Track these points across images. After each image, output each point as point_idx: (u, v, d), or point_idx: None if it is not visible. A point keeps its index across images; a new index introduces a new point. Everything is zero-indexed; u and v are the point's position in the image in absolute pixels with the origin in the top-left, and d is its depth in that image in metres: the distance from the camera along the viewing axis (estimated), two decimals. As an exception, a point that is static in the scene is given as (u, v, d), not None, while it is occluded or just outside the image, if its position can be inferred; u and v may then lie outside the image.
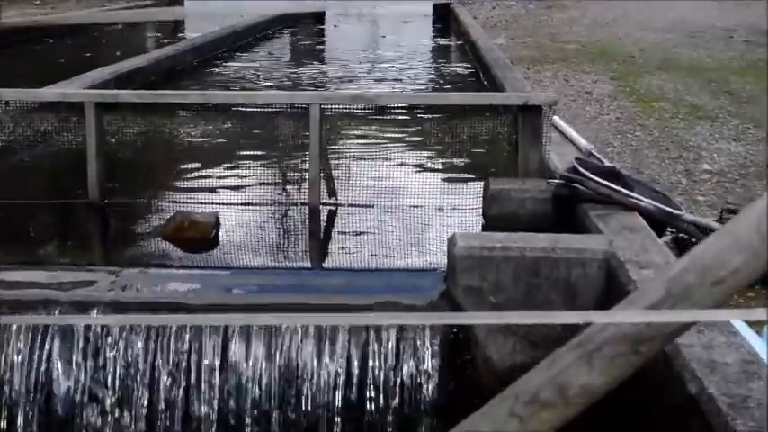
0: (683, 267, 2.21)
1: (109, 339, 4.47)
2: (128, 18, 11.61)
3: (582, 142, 6.57)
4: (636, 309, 2.20)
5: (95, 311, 4.55)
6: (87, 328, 4.48)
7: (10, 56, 13.99)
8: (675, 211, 5.42)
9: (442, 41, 18.50)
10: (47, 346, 4.46)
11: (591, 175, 5.34)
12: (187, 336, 4.46)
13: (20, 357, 4.44)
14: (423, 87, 12.56)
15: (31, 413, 4.40)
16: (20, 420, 4.40)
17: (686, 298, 2.17)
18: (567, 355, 2.23)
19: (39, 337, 4.48)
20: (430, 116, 6.89)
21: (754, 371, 3.34)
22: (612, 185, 5.28)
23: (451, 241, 4.63)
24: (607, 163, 6.00)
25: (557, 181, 5.53)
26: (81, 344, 4.46)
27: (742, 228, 2.17)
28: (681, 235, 5.57)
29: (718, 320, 3.18)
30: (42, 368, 4.43)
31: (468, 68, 14.09)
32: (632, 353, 2.20)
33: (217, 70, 13.60)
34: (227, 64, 14.24)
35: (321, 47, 18.87)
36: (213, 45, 14.80)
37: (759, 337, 4.21)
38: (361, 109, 6.34)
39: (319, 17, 22.20)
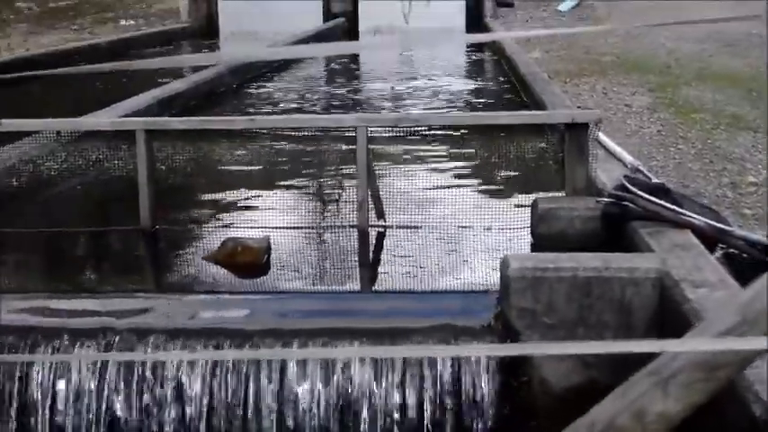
0: (755, 293, 2.23)
1: (167, 369, 4.52)
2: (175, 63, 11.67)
3: (628, 158, 6.56)
4: (709, 336, 2.22)
5: (152, 339, 4.62)
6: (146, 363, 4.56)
7: (52, 81, 14.21)
8: (726, 227, 5.38)
9: (476, 56, 18.53)
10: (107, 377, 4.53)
11: (640, 193, 5.34)
12: (245, 365, 4.51)
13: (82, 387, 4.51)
14: (461, 105, 12.60)
15: None
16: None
17: (759, 323, 2.19)
18: (642, 383, 2.25)
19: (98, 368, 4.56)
20: (476, 136, 6.91)
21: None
22: (662, 202, 5.27)
23: (504, 262, 4.63)
24: (654, 179, 5.97)
25: (606, 199, 5.52)
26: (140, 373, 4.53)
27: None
28: (732, 251, 5.54)
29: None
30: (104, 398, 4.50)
31: (503, 84, 14.13)
32: (707, 379, 2.22)
33: (256, 92, 13.72)
34: (266, 85, 14.36)
35: (356, 66, 18.94)
36: (251, 67, 14.92)
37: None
38: (406, 129, 6.38)
39: (351, 31, 22.43)
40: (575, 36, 17.63)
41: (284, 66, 16.54)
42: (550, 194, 6.09)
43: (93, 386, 4.52)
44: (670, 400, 2.21)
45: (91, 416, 4.49)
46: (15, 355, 4.54)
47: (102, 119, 7.20)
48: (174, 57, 20.49)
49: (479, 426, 4.45)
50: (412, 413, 4.45)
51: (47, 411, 4.49)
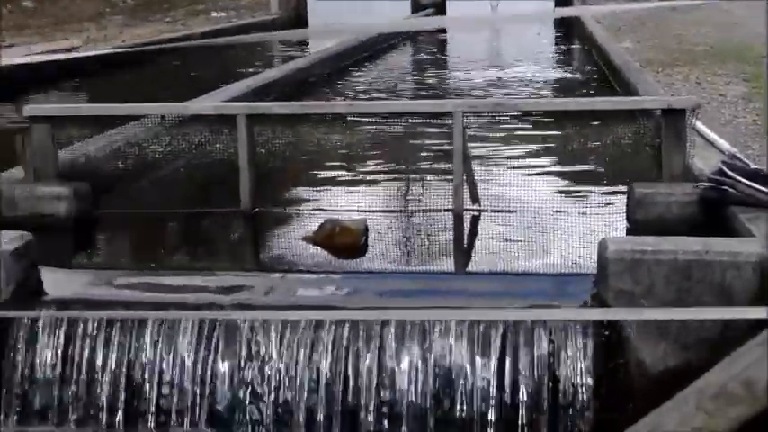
0: None
1: (271, 343, 4.61)
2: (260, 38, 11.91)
3: (725, 146, 6.51)
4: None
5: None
6: (251, 330, 4.65)
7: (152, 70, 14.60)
8: (829, 213, 5.33)
9: (565, 46, 18.44)
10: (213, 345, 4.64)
11: (740, 178, 5.31)
12: (345, 337, 4.59)
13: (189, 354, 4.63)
14: (553, 94, 12.59)
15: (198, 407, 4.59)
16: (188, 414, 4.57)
17: None
18: (753, 352, 2.28)
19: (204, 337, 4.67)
20: (572, 121, 6.90)
21: None
22: (762, 188, 5.24)
23: (602, 245, 4.63)
24: (753, 165, 5.92)
25: (705, 184, 5.51)
26: (245, 344, 4.62)
27: None
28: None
29: None
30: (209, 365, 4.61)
31: (594, 73, 14.05)
32: (820, 350, 2.24)
33: (347, 80, 13.87)
34: (357, 74, 14.51)
35: (444, 56, 18.97)
36: (341, 57, 15.09)
37: None
38: (503, 115, 6.41)
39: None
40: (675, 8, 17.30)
41: (373, 56, 16.66)
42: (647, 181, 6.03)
43: (200, 359, 4.62)
44: (783, 369, 2.24)
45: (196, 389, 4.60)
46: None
47: (205, 104, 7.38)
48: (298, 30, 20.84)
49: (576, 407, 4.43)
50: (508, 393, 4.46)
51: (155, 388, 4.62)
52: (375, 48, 17.70)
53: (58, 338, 4.67)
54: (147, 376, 4.61)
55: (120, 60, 14.27)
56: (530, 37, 20.55)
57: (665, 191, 5.81)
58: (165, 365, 4.61)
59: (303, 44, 19.15)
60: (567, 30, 20.65)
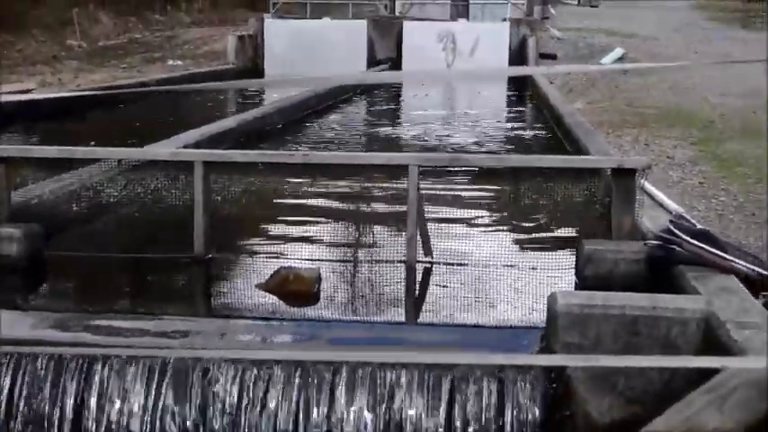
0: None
1: (215, 387, 4.60)
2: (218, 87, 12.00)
3: (672, 206, 6.65)
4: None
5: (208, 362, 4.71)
6: (198, 376, 4.63)
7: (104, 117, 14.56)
8: (771, 274, 5.44)
9: (519, 107, 18.70)
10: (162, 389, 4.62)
11: (687, 238, 5.42)
12: (296, 386, 4.59)
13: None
14: (504, 150, 12.74)
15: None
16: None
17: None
18: (700, 399, 2.34)
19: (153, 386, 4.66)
20: (523, 178, 6.99)
21: None
22: (708, 248, 5.35)
23: (552, 298, 4.70)
24: (699, 226, 6.04)
25: (652, 242, 5.61)
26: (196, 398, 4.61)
27: None
28: (776, 298, 5.56)
29: None
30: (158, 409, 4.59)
31: (546, 132, 14.26)
32: (760, 398, 2.32)
33: (303, 131, 13.95)
34: (311, 124, 14.61)
35: (397, 108, 19.15)
36: (297, 108, 15.19)
37: None
38: (457, 169, 6.49)
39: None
40: (608, 74, 17.62)
41: (327, 109, 16.78)
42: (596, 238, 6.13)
43: (149, 403, 4.59)
44: (726, 417, 2.31)
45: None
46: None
47: (162, 149, 7.38)
48: (255, 80, 20.90)
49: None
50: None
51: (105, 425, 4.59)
52: (331, 100, 17.84)
53: (6, 377, 4.63)
54: (94, 418, 4.59)
55: (76, 104, 14.26)
56: (484, 92, 20.81)
57: (613, 248, 5.89)
58: (113, 408, 4.59)
59: (259, 93, 19.27)
60: (521, 89, 20.93)
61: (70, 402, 4.60)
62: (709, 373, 2.47)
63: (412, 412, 4.52)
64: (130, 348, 4.77)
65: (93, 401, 4.60)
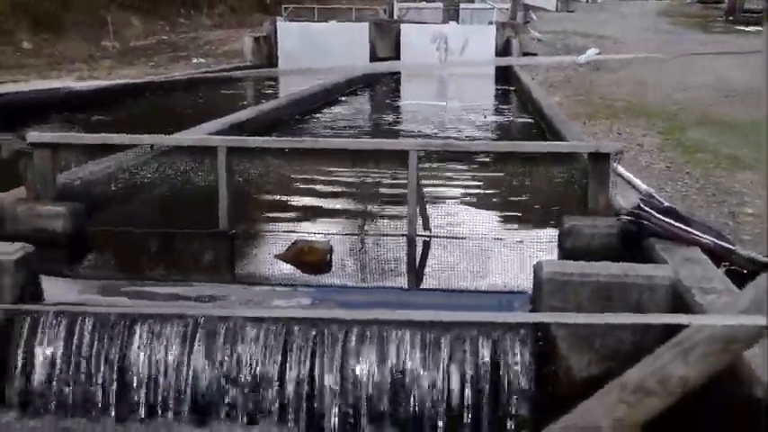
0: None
1: (245, 346, 4.64)
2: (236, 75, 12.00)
3: (642, 186, 6.66)
4: (727, 314, 2.36)
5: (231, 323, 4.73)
6: (226, 336, 4.67)
7: (140, 106, 14.56)
8: (731, 246, 5.47)
9: (505, 101, 18.68)
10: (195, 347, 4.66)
11: (655, 214, 5.45)
12: (311, 344, 4.63)
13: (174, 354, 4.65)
14: (492, 138, 12.76)
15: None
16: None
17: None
18: (668, 353, 2.38)
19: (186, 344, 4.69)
20: (510, 162, 7.00)
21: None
22: (675, 222, 5.38)
23: (538, 267, 4.74)
24: (666, 203, 6.06)
25: (625, 218, 5.64)
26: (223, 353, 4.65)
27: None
28: (733, 267, 5.58)
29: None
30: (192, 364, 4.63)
31: (529, 122, 14.27)
32: (723, 351, 2.35)
33: (314, 120, 13.95)
34: (323, 113, 14.60)
35: (396, 100, 19.14)
36: (309, 100, 15.18)
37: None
38: (452, 153, 6.50)
39: (393, 73, 22.70)
40: (583, 69, 17.58)
41: (332, 102, 16.75)
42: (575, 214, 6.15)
43: (182, 358, 4.63)
44: (690, 367, 2.34)
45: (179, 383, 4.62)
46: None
47: (190, 136, 7.40)
48: (277, 69, 20.84)
49: (513, 408, 4.51)
50: (454, 396, 4.52)
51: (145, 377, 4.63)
52: (339, 93, 17.83)
53: (57, 336, 4.67)
54: (136, 372, 4.63)
55: (111, 96, 14.28)
56: (472, 86, 20.77)
57: (590, 223, 5.91)
58: (152, 363, 4.63)
59: (274, 86, 19.23)
60: (506, 84, 20.89)
61: (114, 358, 4.64)
62: (674, 334, 2.50)
63: (414, 368, 4.55)
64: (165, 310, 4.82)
65: (133, 358, 4.63)
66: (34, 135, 6.50)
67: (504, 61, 20.74)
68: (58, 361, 4.64)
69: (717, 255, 5.27)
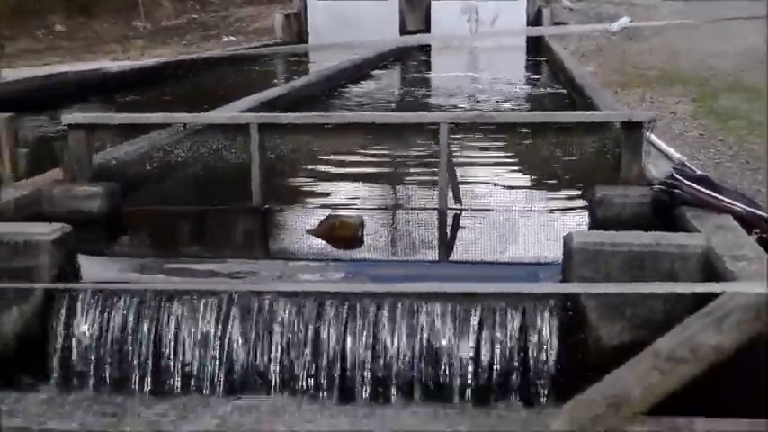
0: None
1: (279, 320, 4.67)
2: (267, 51, 12.01)
3: (675, 155, 6.60)
4: (761, 281, 2.33)
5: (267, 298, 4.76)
6: (260, 311, 4.69)
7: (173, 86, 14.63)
8: (763, 214, 5.40)
9: (536, 72, 18.52)
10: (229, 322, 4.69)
11: (687, 182, 5.39)
12: (344, 317, 4.64)
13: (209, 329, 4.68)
14: (525, 108, 12.68)
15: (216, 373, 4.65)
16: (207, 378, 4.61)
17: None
18: (700, 321, 2.36)
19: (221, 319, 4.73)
20: (543, 132, 6.95)
21: None
22: (707, 191, 5.32)
23: (568, 238, 4.70)
24: (699, 172, 6.00)
25: (657, 187, 5.58)
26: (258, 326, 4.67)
27: None
28: (765, 235, 5.52)
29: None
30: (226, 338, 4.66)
31: (562, 92, 14.14)
32: (756, 319, 2.33)
33: (344, 96, 13.93)
34: (354, 88, 14.58)
35: (428, 74, 19.04)
36: (340, 75, 15.14)
37: None
38: (483, 125, 6.45)
39: (424, 46, 22.55)
40: (615, 37, 17.38)
41: (362, 77, 16.70)
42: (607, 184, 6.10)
43: (217, 332, 4.67)
44: (724, 335, 2.33)
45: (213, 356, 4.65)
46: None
47: (222, 114, 7.42)
48: (316, 44, 20.82)
49: (541, 375, 4.50)
50: (484, 364, 4.51)
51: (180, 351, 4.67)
52: (370, 67, 17.77)
53: (95, 314, 4.73)
54: (172, 347, 4.67)
55: (146, 76, 14.36)
56: (505, 58, 20.62)
57: (622, 192, 5.88)
58: (187, 338, 4.67)
59: (305, 62, 19.22)
60: (538, 55, 20.69)
61: (149, 335, 4.68)
62: (705, 303, 2.48)
63: (445, 340, 4.55)
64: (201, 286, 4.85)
65: (169, 332, 4.67)
66: (69, 117, 6.55)
67: (535, 31, 20.52)
68: (96, 338, 4.69)
69: (748, 222, 5.21)
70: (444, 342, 4.55)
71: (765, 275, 2.33)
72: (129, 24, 28.34)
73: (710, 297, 2.62)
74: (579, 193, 6.47)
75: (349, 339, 4.59)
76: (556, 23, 23.67)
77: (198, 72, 16.36)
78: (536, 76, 17.68)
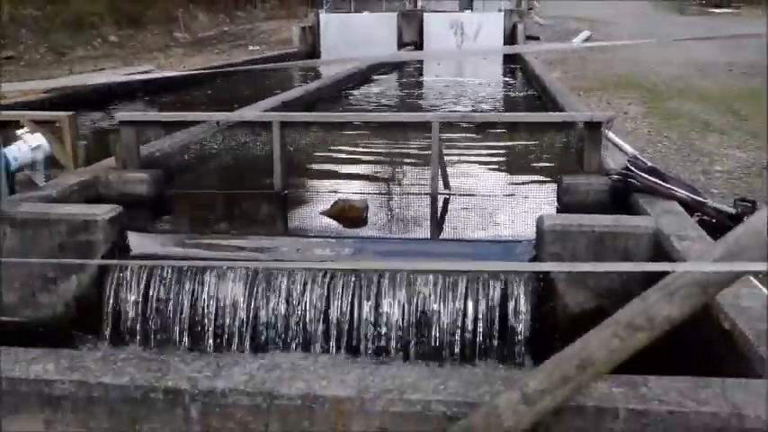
0: (741, 231, 2.28)
1: (298, 287, 4.62)
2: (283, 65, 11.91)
3: (628, 149, 6.55)
4: (705, 261, 2.29)
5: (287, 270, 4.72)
6: (281, 280, 4.63)
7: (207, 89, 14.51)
8: (702, 199, 5.38)
9: (511, 77, 18.41)
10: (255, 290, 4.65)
11: (640, 173, 5.35)
12: (352, 286, 4.61)
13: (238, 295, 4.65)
14: (502, 109, 12.58)
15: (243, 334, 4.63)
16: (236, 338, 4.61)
17: (741, 254, 2.24)
18: (654, 294, 2.31)
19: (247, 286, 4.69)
20: (517, 130, 6.89)
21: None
22: (656, 180, 5.29)
23: (540, 220, 4.68)
24: (649, 164, 5.96)
25: (614, 176, 5.55)
26: (278, 293, 4.63)
27: (781, 207, 2.25)
28: (705, 217, 5.50)
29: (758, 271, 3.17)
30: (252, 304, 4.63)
31: (534, 95, 14.05)
32: (701, 293, 2.29)
33: (352, 97, 13.85)
34: (358, 92, 14.49)
35: (420, 79, 18.92)
36: (347, 79, 15.04)
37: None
38: (468, 124, 6.41)
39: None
40: (579, 51, 17.31)
41: (366, 81, 16.59)
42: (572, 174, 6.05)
43: (244, 298, 4.63)
44: (674, 306, 2.29)
45: (241, 318, 4.63)
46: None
47: (249, 112, 7.36)
48: (317, 60, 20.71)
49: (518, 338, 4.47)
50: (469, 326, 4.48)
51: (214, 314, 4.65)
52: (373, 73, 17.65)
53: (141, 283, 4.70)
54: (206, 312, 4.64)
55: (185, 81, 14.27)
56: (484, 63, 20.47)
57: (585, 181, 5.83)
58: (219, 304, 4.64)
59: (317, 68, 19.10)
60: (513, 63, 20.55)
61: (187, 300, 4.66)
62: (655, 276, 2.43)
63: (436, 305, 4.52)
64: (231, 261, 4.81)
65: (203, 300, 4.64)
66: (121, 115, 6.51)
67: (509, 49, 20.36)
68: (142, 302, 4.67)
69: (691, 207, 5.19)
70: (435, 307, 4.52)
71: (710, 257, 2.29)
72: (171, 35, 28.15)
73: (661, 274, 2.59)
74: (549, 180, 6.41)
75: (356, 304, 4.56)
76: (528, 36, 23.48)
77: (228, 76, 16.27)
78: (512, 81, 17.57)
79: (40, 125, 5.85)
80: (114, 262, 4.73)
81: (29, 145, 5.51)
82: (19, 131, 5.57)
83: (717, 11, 39.52)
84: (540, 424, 2.57)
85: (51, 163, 5.90)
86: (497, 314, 4.50)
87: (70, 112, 6.09)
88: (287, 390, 2.83)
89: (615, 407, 2.69)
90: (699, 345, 3.54)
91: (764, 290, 3.94)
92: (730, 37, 5.80)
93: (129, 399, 2.90)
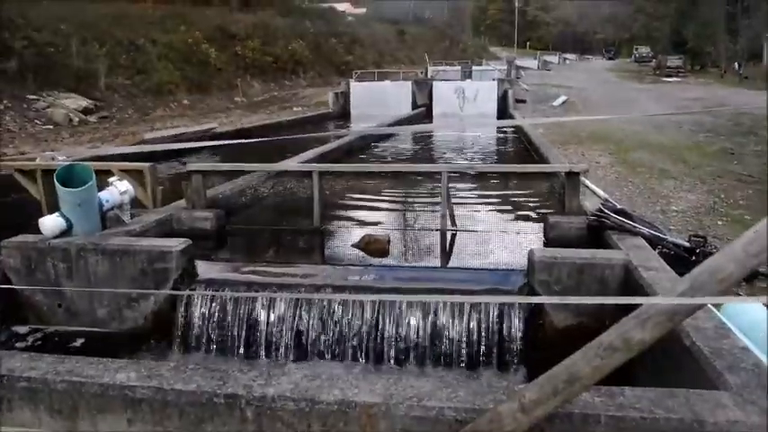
0: (700, 271, 2.22)
1: (333, 307, 4.59)
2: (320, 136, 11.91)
3: (601, 193, 6.46)
4: (671, 296, 2.22)
5: (324, 292, 4.67)
6: (320, 301, 4.59)
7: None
8: (662, 235, 5.31)
9: (505, 133, 18.39)
10: (299, 309, 4.62)
11: (611, 213, 5.29)
12: (376, 306, 4.56)
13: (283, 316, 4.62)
14: (498, 160, 12.53)
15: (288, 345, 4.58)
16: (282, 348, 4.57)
17: (701, 289, 2.18)
18: (630, 322, 2.25)
19: (292, 306, 4.65)
20: (511, 178, 6.84)
21: (724, 333, 3.30)
22: (624, 220, 5.21)
23: (531, 252, 4.62)
24: (619, 206, 5.89)
25: (591, 216, 5.48)
26: (317, 312, 4.61)
27: (736, 247, 2.18)
28: (665, 250, 5.42)
29: (718, 302, 3.10)
30: (295, 321, 4.59)
31: (523, 149, 14.01)
32: (668, 321, 2.22)
33: (375, 150, 13.86)
34: (382, 145, 14.54)
35: (431, 136, 18.96)
36: (371, 136, 15.05)
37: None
38: (471, 174, 6.37)
39: (429, 113, 22.57)
40: (565, 123, 17.33)
41: (388, 137, 16.62)
42: (556, 214, 5.99)
43: (289, 315, 4.60)
44: (646, 332, 2.22)
45: (287, 332, 4.59)
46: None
47: (293, 163, 7.37)
48: (329, 132, 20.91)
49: (514, 349, 4.40)
50: (474, 340, 4.42)
51: (264, 328, 4.61)
52: (391, 130, 17.68)
53: (206, 301, 4.68)
54: (259, 326, 4.61)
55: (242, 135, 14.36)
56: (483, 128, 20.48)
57: (567, 220, 5.76)
58: (269, 320, 4.60)
59: (347, 126, 19.21)
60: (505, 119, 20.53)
61: (244, 317, 4.62)
62: (628, 306, 2.37)
63: (446, 322, 4.47)
64: (278, 289, 4.77)
65: (256, 316, 4.61)
66: (191, 165, 6.55)
67: (504, 123, 20.35)
68: (207, 318, 4.64)
69: (653, 242, 5.11)
70: (446, 325, 4.46)
71: (675, 292, 2.23)
72: (231, 99, 28.44)
73: (633, 294, 2.53)
74: (537, 220, 6.35)
75: (380, 321, 4.51)
76: (517, 100, 23.49)
77: (278, 131, 16.33)
78: (504, 136, 17.55)
79: (127, 173, 5.89)
80: (187, 293, 4.71)
81: (118, 190, 5.54)
82: (110, 179, 5.61)
83: (668, 80, 39.49)
84: (536, 428, 2.50)
85: (135, 203, 5.93)
86: (496, 329, 4.43)
87: (151, 163, 6.13)
88: (326, 396, 2.78)
89: (597, 413, 2.62)
90: (664, 357, 3.46)
91: (718, 313, 3.86)
92: (705, 112, 5.76)
93: (196, 403, 2.85)
